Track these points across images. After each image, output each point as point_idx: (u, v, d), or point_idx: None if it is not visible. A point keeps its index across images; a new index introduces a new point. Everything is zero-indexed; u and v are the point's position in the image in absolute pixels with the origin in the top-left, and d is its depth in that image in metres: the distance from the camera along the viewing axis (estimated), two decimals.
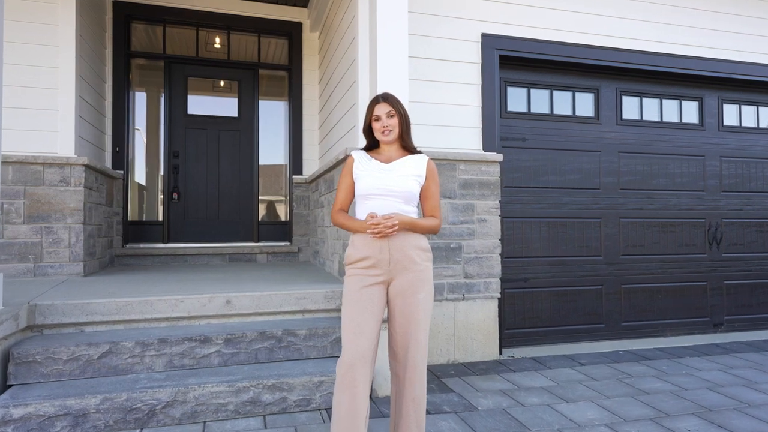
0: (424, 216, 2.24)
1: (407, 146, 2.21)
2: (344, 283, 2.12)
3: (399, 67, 3.22)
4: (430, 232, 2.17)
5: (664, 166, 4.57)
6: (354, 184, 2.18)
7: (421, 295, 2.09)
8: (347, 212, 2.24)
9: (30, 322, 2.77)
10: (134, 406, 2.44)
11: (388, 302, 2.13)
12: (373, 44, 3.28)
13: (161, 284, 3.53)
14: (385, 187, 2.09)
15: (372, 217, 2.04)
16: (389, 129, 2.14)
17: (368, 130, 2.22)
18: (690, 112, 4.71)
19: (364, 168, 2.16)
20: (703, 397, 3.02)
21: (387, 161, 2.18)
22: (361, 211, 2.14)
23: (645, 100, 4.57)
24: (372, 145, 2.26)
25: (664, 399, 2.99)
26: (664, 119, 4.63)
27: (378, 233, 2.01)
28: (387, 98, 2.17)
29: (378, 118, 2.15)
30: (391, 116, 2.14)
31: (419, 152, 2.24)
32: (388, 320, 2.16)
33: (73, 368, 2.62)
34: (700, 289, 4.63)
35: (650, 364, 3.70)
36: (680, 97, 4.67)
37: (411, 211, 2.13)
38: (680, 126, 4.66)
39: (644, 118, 4.56)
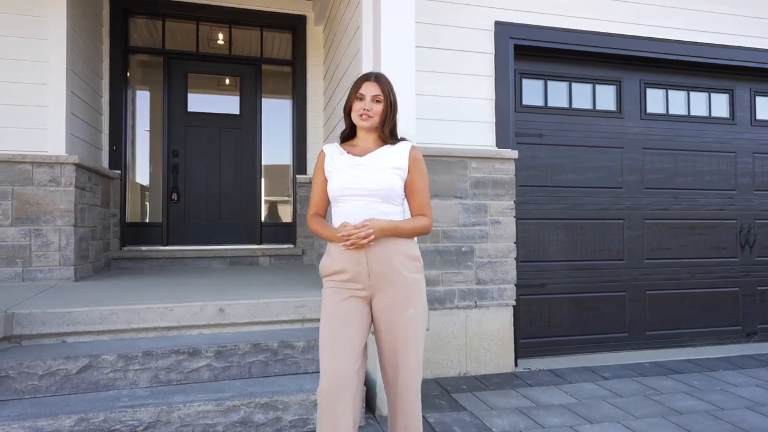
0: (411, 214, 1.90)
1: (386, 137, 1.87)
2: (322, 297, 1.84)
3: (405, 57, 2.96)
4: (418, 234, 1.86)
5: (691, 164, 4.25)
6: (327, 182, 1.89)
7: (410, 312, 1.78)
8: (324, 216, 1.95)
9: (7, 332, 2.57)
10: (112, 428, 2.22)
11: (372, 317, 1.83)
12: (377, 33, 3.03)
13: (154, 290, 3.31)
14: (358, 185, 1.78)
15: (344, 226, 1.73)
16: (368, 114, 1.82)
17: (350, 111, 1.90)
18: (719, 105, 4.38)
19: (334, 164, 1.86)
20: (743, 419, 2.72)
21: (362, 154, 1.86)
22: (335, 215, 1.85)
23: (671, 92, 4.26)
24: (351, 133, 1.95)
25: (699, 420, 2.69)
26: (692, 113, 4.31)
27: (351, 245, 1.72)
28: (379, 78, 1.86)
29: (362, 98, 1.84)
30: (378, 101, 1.83)
31: (402, 140, 1.92)
32: (375, 336, 1.87)
33: (50, 384, 2.40)
34: (731, 296, 4.30)
35: (680, 379, 3.40)
36: (709, 89, 4.35)
37: (393, 212, 1.82)
38: (709, 120, 4.33)
39: (670, 112, 4.25)
